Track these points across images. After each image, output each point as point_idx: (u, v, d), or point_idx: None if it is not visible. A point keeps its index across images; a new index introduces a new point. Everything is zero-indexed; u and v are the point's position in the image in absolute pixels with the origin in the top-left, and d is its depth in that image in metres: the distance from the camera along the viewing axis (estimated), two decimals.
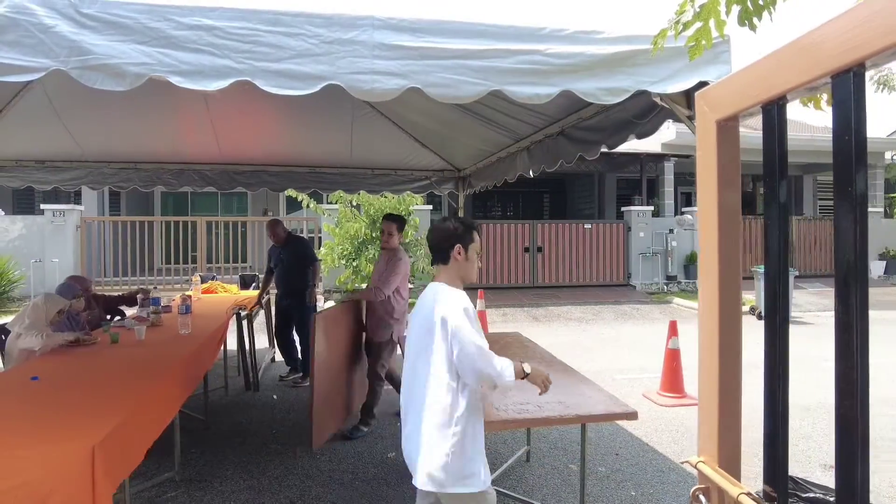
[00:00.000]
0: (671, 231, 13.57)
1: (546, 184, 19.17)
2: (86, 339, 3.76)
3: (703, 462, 1.11)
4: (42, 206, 11.84)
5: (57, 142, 6.16)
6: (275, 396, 5.36)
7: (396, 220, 4.55)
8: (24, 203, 16.51)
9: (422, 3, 2.56)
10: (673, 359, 5.43)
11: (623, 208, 14.57)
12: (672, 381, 5.41)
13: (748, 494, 0.97)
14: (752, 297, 10.11)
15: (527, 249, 13.62)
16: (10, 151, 6.46)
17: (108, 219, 12.96)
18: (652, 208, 14.26)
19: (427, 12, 2.28)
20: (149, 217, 13.75)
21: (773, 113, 0.92)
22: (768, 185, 0.95)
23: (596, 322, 10.19)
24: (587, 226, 13.90)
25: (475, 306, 7.94)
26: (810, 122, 18.08)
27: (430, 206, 12.43)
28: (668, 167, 14.91)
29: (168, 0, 2.15)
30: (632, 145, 12.54)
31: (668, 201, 14.92)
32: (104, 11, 2.07)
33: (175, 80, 2.04)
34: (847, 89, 0.75)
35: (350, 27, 2.17)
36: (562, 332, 9.15)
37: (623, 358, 7.27)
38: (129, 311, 5.09)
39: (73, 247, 11.66)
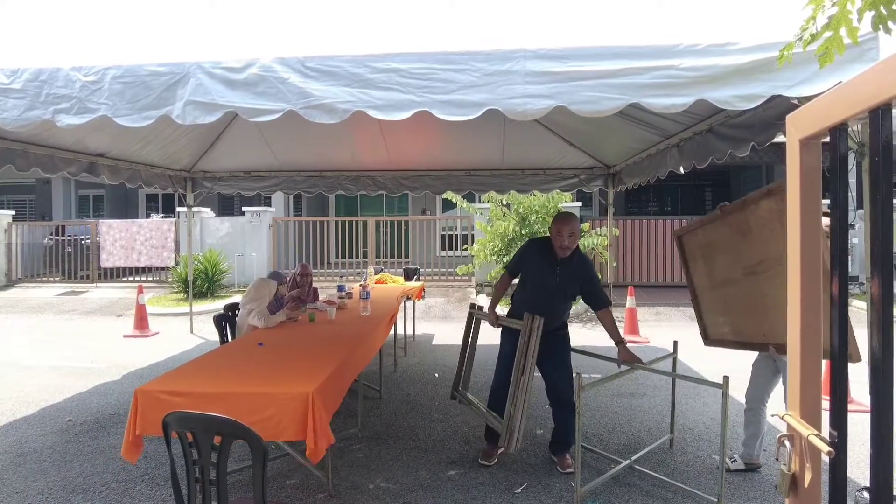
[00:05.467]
0: (851, 227, 12.17)
1: (708, 177, 18.09)
2: (292, 317, 4.70)
3: (789, 415, 1.37)
4: (243, 209, 13.99)
5: (259, 156, 7.48)
6: (436, 374, 6.03)
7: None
8: (226, 206, 19.50)
9: (566, 28, 2.92)
10: None
11: None
12: None
13: (816, 435, 1.23)
14: None
15: None
16: (226, 166, 7.95)
17: (292, 219, 14.91)
18: (828, 202, 12.87)
19: (571, 40, 2.64)
20: (325, 217, 15.55)
21: (836, 135, 1.18)
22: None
23: None
24: None
25: (625, 303, 7.99)
26: None
27: (580, 203, 12.51)
28: (849, 156, 13.33)
29: (365, 50, 2.76)
30: None
31: (850, 193, 13.35)
32: (321, 64, 2.74)
33: (372, 113, 2.64)
34: (877, 123, 1.01)
35: (506, 60, 2.61)
36: None
37: None
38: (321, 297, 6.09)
39: (266, 242, 13.64)
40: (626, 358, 3.54)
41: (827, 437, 1.22)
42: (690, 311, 10.48)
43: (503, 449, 3.55)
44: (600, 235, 10.13)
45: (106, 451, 4.04)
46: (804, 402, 1.33)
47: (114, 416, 4.77)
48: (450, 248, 14.34)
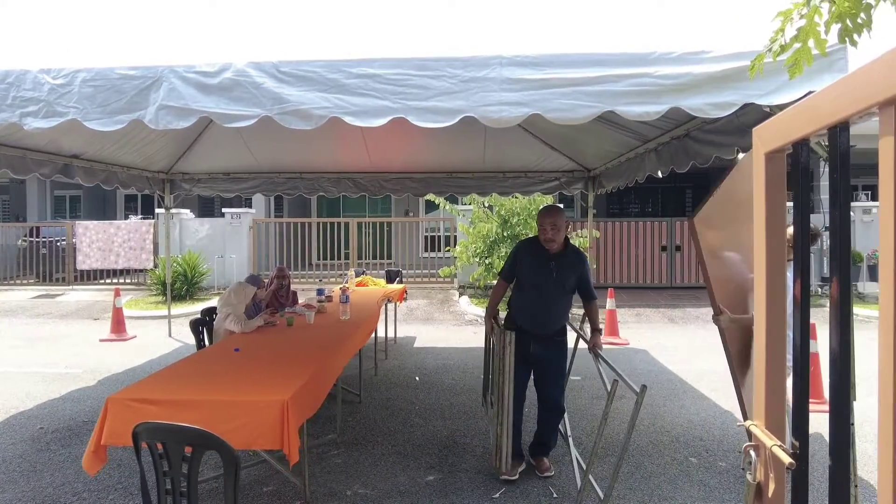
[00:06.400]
0: (826, 228, 12.38)
1: (689, 178, 18.23)
2: (270, 321, 4.66)
3: (754, 425, 1.38)
4: (223, 210, 13.84)
5: (239, 158, 7.40)
6: (417, 378, 6.02)
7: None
8: (206, 207, 19.27)
9: (544, 35, 2.92)
10: (811, 363, 5.22)
11: None
12: (811, 385, 5.20)
13: (779, 446, 1.24)
14: None
15: (664, 248, 13.25)
16: (204, 167, 7.85)
17: (273, 220, 14.79)
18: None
19: (547, 47, 2.65)
20: (307, 218, 15.44)
21: (799, 149, 1.20)
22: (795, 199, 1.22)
23: None
24: None
25: (605, 305, 8.04)
26: None
27: (561, 206, 12.55)
28: (819, 162, 13.61)
29: (341, 55, 2.75)
30: None
31: (824, 196, 13.63)
32: (296, 69, 2.72)
33: (348, 119, 2.62)
34: (835, 140, 1.03)
35: (482, 66, 2.62)
36: (699, 334, 8.90)
37: None
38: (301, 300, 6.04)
39: (246, 244, 13.51)
40: (596, 343, 3.67)
41: (789, 447, 1.23)
42: (670, 312, 10.66)
43: (503, 472, 3.57)
44: (581, 237, 10.19)
45: (78, 460, 3.96)
46: (769, 412, 1.34)
47: (87, 424, 4.68)
48: (433, 250, 14.34)
